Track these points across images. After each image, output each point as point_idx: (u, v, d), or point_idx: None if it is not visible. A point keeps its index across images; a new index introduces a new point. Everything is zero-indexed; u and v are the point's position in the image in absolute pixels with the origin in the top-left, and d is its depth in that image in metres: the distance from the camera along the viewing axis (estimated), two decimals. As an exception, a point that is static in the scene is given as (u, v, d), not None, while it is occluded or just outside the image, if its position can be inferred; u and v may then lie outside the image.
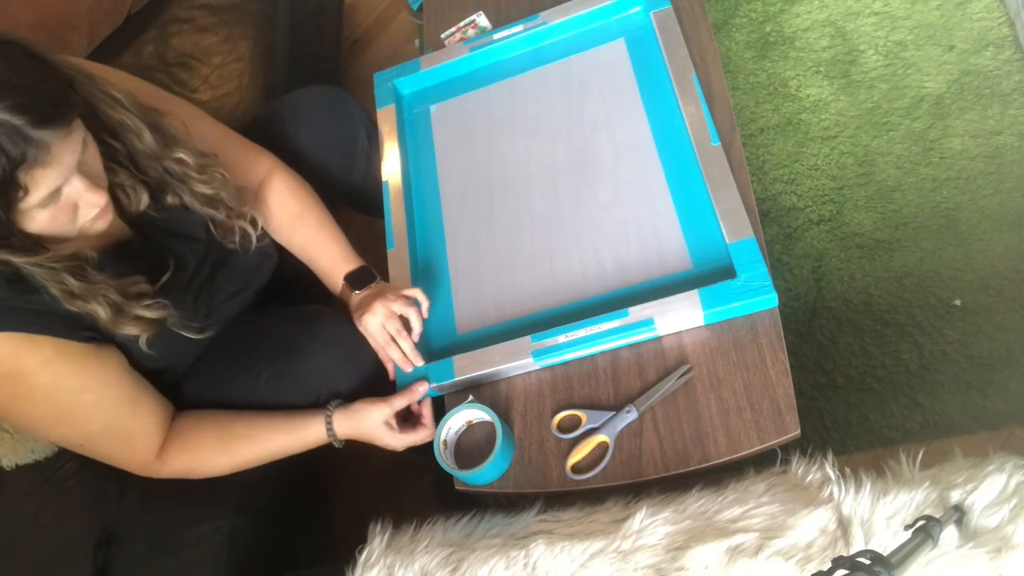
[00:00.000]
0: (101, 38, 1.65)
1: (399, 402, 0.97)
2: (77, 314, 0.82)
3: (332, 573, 0.91)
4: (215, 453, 0.96)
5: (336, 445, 0.99)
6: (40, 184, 0.70)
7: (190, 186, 0.92)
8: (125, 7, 1.67)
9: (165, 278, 0.90)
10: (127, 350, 0.91)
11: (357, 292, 1.06)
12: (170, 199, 0.92)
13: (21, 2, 1.48)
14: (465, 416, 0.96)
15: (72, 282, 0.78)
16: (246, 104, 1.50)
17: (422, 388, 0.99)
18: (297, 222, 1.10)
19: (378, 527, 0.91)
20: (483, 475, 0.91)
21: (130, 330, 0.84)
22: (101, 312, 0.81)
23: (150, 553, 1.02)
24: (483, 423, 0.97)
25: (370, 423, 0.97)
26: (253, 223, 1.01)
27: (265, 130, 1.19)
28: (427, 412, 1.01)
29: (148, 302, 0.85)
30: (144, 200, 0.89)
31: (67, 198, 0.75)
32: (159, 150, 0.88)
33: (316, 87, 1.28)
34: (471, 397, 0.97)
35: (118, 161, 0.86)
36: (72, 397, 0.86)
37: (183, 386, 1.03)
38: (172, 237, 0.95)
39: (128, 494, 1.09)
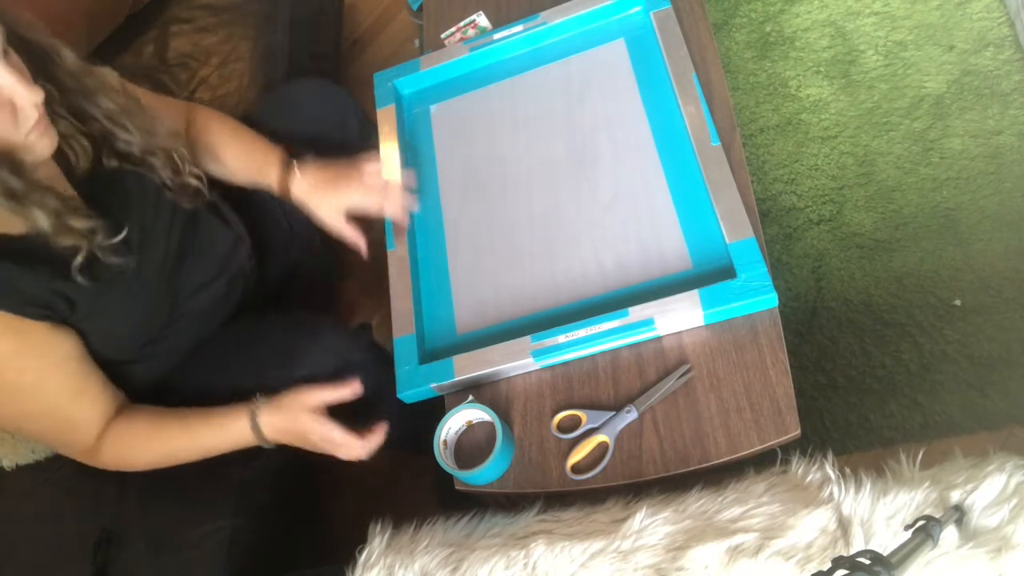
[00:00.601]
0: (101, 38, 1.65)
1: (326, 395, 0.94)
2: (31, 292, 0.81)
3: (332, 573, 0.91)
4: (145, 445, 0.95)
5: (265, 446, 0.97)
6: None
7: (123, 124, 0.91)
8: (125, 7, 1.67)
9: (120, 237, 0.87)
10: (87, 338, 0.90)
11: (298, 169, 1.05)
12: (107, 160, 0.91)
13: (21, 2, 1.48)
14: (465, 416, 0.96)
15: (13, 179, 0.75)
16: (246, 104, 1.50)
17: (348, 389, 0.96)
18: (224, 145, 1.10)
19: (378, 527, 0.91)
20: (483, 475, 0.91)
21: (68, 241, 0.82)
22: (43, 219, 0.78)
23: (150, 553, 1.02)
24: (483, 423, 0.97)
25: (294, 408, 0.93)
26: (198, 177, 1.00)
27: (257, 124, 1.20)
28: (378, 436, 0.96)
29: (83, 212, 0.83)
30: (88, 151, 0.88)
31: (1, 94, 0.73)
32: (78, 68, 0.86)
33: (308, 79, 1.30)
34: (471, 397, 0.97)
35: (54, 110, 0.85)
36: (14, 376, 0.84)
37: (177, 388, 1.03)
38: (126, 208, 0.93)
39: (128, 494, 1.09)
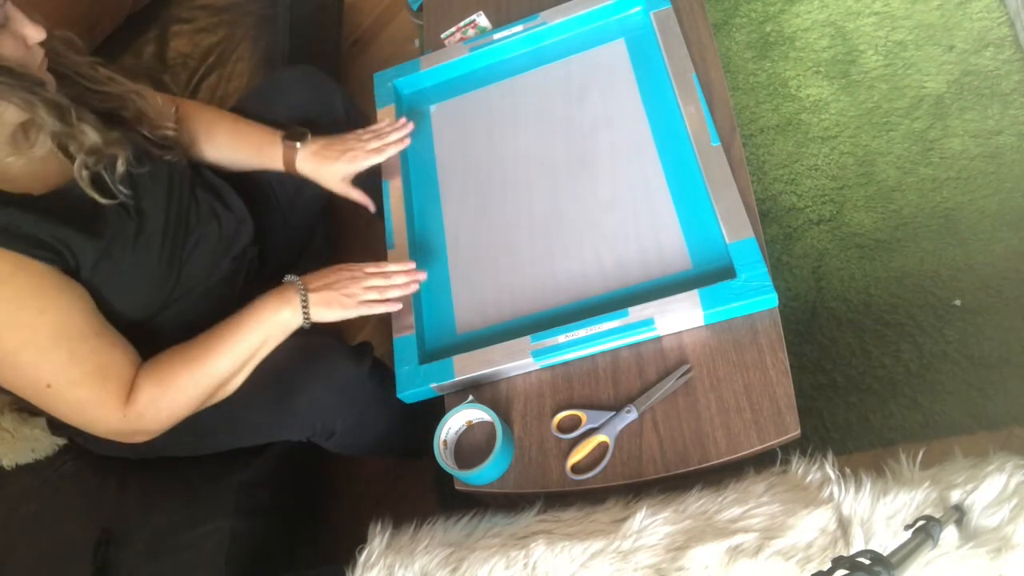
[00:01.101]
0: (101, 38, 1.65)
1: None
2: (38, 236, 0.82)
3: (332, 573, 0.91)
4: (182, 369, 0.91)
5: (305, 324, 0.95)
6: None
7: (91, 77, 0.94)
8: (125, 7, 1.67)
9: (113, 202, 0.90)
10: (96, 296, 0.89)
11: (300, 144, 1.12)
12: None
13: (20, 3, 1.48)
14: (465, 416, 0.96)
15: (53, 93, 0.81)
16: (246, 104, 1.50)
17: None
18: (215, 127, 1.13)
19: (378, 527, 0.91)
20: (483, 475, 0.91)
21: (116, 149, 0.87)
22: (90, 132, 0.83)
23: (150, 553, 1.02)
24: (483, 423, 0.97)
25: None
26: (171, 129, 1.03)
27: (247, 110, 1.21)
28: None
29: (93, 123, 0.87)
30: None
31: (12, 26, 0.79)
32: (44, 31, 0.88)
33: (295, 67, 1.31)
34: (471, 397, 0.97)
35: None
36: (33, 317, 0.82)
37: None
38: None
39: (128, 493, 1.09)
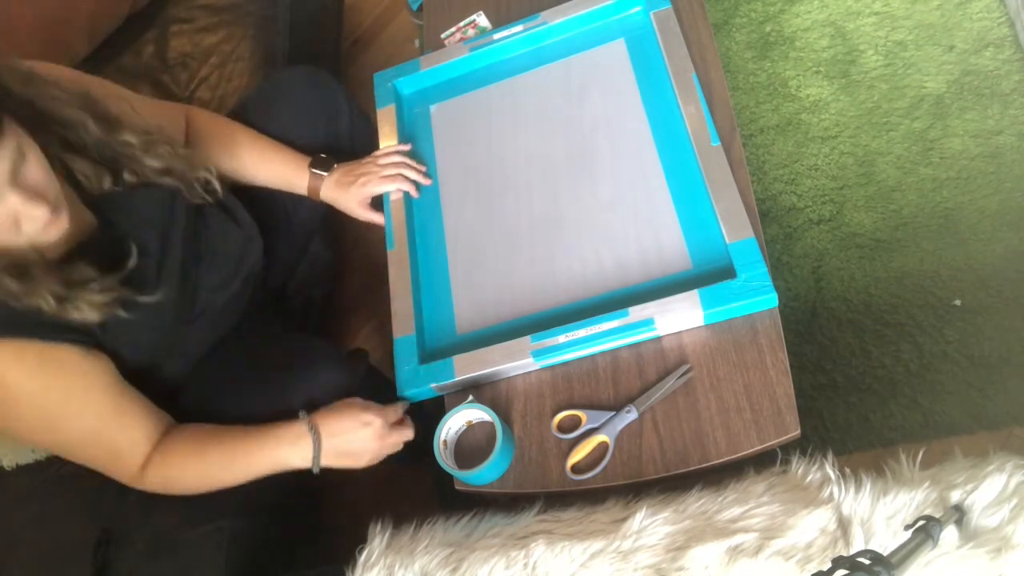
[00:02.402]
0: (101, 38, 1.65)
1: (391, 414, 0.95)
2: (64, 320, 0.81)
3: (332, 573, 0.91)
4: (191, 469, 0.94)
5: (315, 470, 0.93)
6: None
7: (141, 162, 0.93)
8: (125, 7, 1.67)
9: (131, 263, 0.88)
10: (115, 353, 0.90)
11: (327, 173, 1.14)
12: (127, 176, 0.92)
13: (21, 2, 1.48)
14: (465, 416, 0.96)
15: (12, 285, 0.76)
16: (246, 104, 1.50)
17: (401, 405, 0.99)
18: (236, 146, 1.14)
19: (378, 527, 0.91)
20: (483, 475, 0.91)
21: (78, 315, 0.82)
22: (44, 305, 0.79)
23: (150, 553, 1.02)
24: (483, 423, 0.97)
25: (343, 404, 0.94)
26: (208, 171, 1.03)
27: (249, 111, 1.21)
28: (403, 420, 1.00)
29: (94, 286, 0.83)
30: (107, 181, 0.90)
31: (4, 215, 0.72)
32: (105, 136, 0.88)
33: (297, 67, 1.31)
34: (471, 397, 0.97)
35: (75, 149, 0.87)
36: (57, 406, 0.85)
37: (180, 403, 1.02)
38: (136, 222, 0.93)
39: (128, 494, 1.08)
